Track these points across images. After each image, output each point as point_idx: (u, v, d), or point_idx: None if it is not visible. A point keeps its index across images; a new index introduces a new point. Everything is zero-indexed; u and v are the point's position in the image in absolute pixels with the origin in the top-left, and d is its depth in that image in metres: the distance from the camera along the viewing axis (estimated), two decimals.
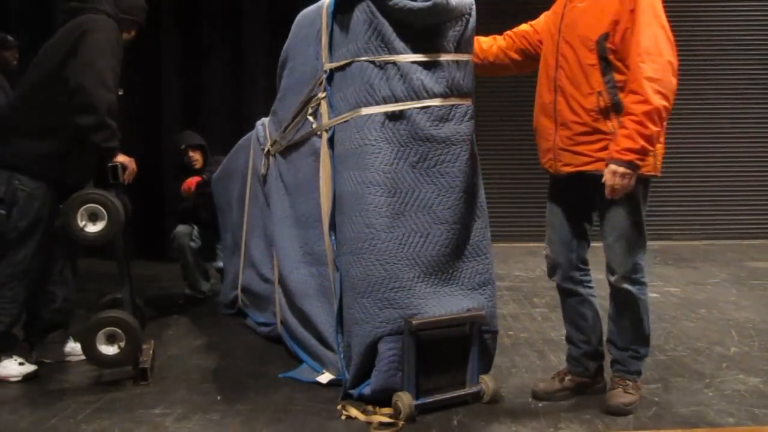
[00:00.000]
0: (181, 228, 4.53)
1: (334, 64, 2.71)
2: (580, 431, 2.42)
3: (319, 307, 2.96)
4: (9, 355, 3.00)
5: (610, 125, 2.40)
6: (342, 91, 2.69)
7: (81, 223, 2.82)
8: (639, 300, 2.53)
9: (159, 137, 6.14)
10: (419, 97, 2.59)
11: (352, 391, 2.69)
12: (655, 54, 2.29)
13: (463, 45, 2.64)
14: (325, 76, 2.75)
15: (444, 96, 2.62)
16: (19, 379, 2.95)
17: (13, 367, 2.98)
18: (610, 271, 2.53)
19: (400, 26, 2.56)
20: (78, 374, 3.07)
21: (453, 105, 2.64)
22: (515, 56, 2.80)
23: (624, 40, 2.35)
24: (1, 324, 2.93)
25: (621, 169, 2.31)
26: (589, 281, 2.71)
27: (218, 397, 2.78)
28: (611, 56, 2.38)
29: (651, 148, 2.32)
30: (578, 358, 2.71)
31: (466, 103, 2.70)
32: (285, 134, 3.22)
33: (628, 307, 2.54)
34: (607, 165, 2.34)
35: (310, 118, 2.90)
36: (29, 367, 3.00)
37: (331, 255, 2.77)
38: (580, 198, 2.60)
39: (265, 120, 3.66)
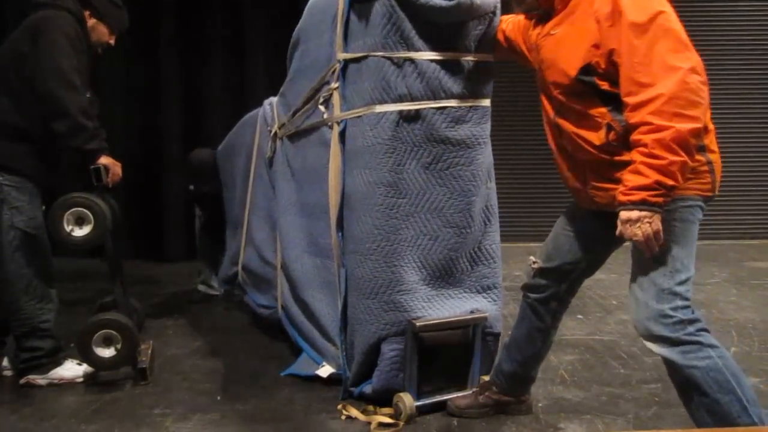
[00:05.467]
0: (199, 225, 4.59)
1: (349, 56, 2.62)
2: (579, 431, 2.42)
3: (322, 300, 2.93)
4: (64, 358, 2.97)
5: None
6: (356, 84, 2.62)
7: (68, 228, 2.80)
8: (691, 370, 1.87)
9: (158, 137, 6.13)
10: (436, 97, 2.51)
11: (352, 389, 2.68)
12: (657, 72, 1.78)
13: (485, 45, 2.53)
14: (339, 66, 2.66)
15: (462, 97, 2.54)
16: (83, 379, 2.94)
17: (76, 368, 2.96)
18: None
19: (420, 23, 2.46)
20: None
21: (470, 106, 2.56)
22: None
23: (615, 65, 1.87)
24: (46, 323, 2.90)
25: (633, 214, 1.80)
26: (561, 314, 2.41)
27: (218, 397, 2.77)
28: (606, 86, 1.91)
29: (671, 182, 1.77)
30: (506, 375, 2.48)
31: (484, 105, 2.62)
32: (294, 119, 3.15)
33: (683, 385, 1.92)
34: (617, 215, 1.86)
35: (321, 108, 2.82)
36: (85, 366, 2.96)
37: (338, 251, 2.72)
38: (608, 228, 2.00)
39: (273, 99, 3.54)
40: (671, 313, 1.87)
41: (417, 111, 2.50)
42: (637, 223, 1.81)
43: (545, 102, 2.16)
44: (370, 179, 2.55)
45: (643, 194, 1.79)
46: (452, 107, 2.53)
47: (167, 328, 3.87)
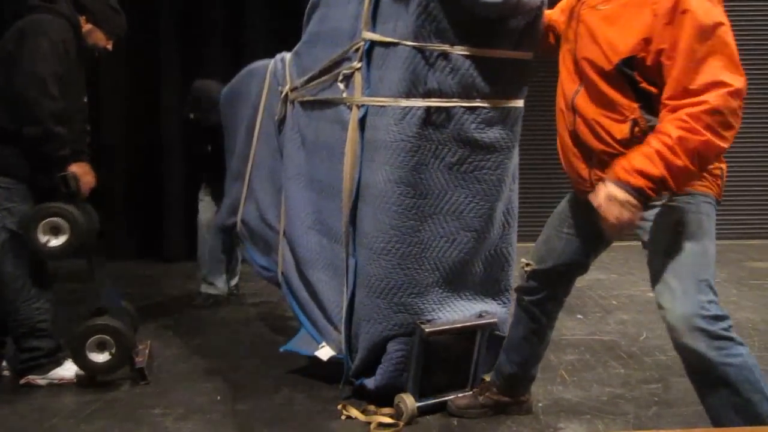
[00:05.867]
0: (201, 216, 4.48)
1: (377, 38, 2.45)
2: (579, 431, 2.42)
3: (327, 283, 2.85)
4: (64, 357, 2.96)
5: None
6: (382, 71, 2.46)
7: (43, 239, 2.75)
8: (725, 367, 1.78)
9: (158, 137, 6.12)
10: (468, 96, 2.37)
11: (353, 379, 2.66)
12: (707, 83, 1.72)
13: (526, 42, 2.37)
14: (364, 46, 2.51)
15: (494, 97, 2.41)
16: (76, 379, 2.92)
17: (75, 368, 2.93)
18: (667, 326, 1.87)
19: (458, 14, 2.29)
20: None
21: (502, 108, 2.44)
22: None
23: (660, 66, 1.78)
24: (44, 323, 2.89)
25: (622, 194, 1.73)
26: (557, 314, 2.39)
27: (218, 397, 2.77)
28: (644, 84, 1.84)
29: (672, 186, 1.73)
30: (505, 376, 2.47)
31: (517, 107, 2.51)
32: (308, 86, 2.96)
33: (713, 382, 1.82)
34: (604, 183, 1.80)
35: (340, 85, 2.64)
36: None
37: (347, 240, 2.64)
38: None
39: (286, 55, 3.24)
40: (707, 306, 1.81)
41: (446, 109, 2.37)
42: (620, 207, 1.74)
43: (565, 78, 2.05)
44: (391, 177, 2.43)
45: (644, 182, 1.72)
46: (483, 108, 2.41)
47: (167, 328, 3.86)
